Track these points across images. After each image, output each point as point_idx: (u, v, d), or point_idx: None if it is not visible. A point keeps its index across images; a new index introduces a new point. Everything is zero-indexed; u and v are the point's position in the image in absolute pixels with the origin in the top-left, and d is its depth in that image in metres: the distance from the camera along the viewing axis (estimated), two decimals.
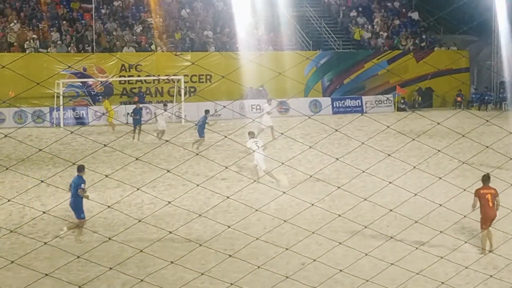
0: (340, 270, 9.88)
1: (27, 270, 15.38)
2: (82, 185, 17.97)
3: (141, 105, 37.73)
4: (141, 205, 21.95)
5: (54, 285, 14.41)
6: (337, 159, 10.63)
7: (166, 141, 27.28)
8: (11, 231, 16.48)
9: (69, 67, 42.05)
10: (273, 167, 24.62)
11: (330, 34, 52.47)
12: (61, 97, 41.90)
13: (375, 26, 55.19)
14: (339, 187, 10.13)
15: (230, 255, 11.04)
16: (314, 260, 10.02)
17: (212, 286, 14.41)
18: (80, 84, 44.98)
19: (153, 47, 47.30)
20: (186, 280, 14.34)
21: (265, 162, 25.06)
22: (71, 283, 14.49)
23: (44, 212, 9.65)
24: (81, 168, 18.30)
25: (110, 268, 10.34)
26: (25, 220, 20.29)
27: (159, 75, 44.91)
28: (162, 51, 46.69)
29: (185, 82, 45.05)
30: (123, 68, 45.77)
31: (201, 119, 33.01)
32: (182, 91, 44.58)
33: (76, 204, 18.13)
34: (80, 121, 42.55)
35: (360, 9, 56.38)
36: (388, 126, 10.55)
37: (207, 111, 33.53)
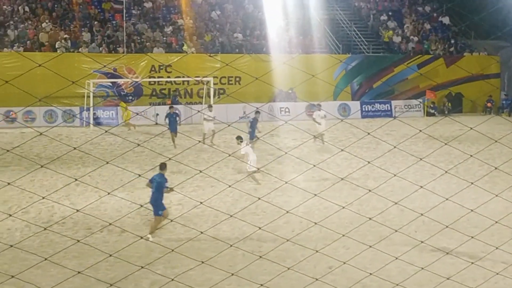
0: (370, 274, 9.86)
1: (56, 268, 15.52)
2: (166, 184, 18.38)
3: (175, 110, 36.22)
4: (169, 206, 21.99)
5: (82, 284, 14.51)
6: (368, 162, 10.61)
7: (199, 141, 27.35)
8: (45, 229, 16.59)
9: (104, 66, 42.28)
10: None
11: (360, 38, 52.35)
12: (91, 97, 42.14)
13: (406, 30, 54.98)
14: (370, 191, 10.12)
15: (260, 256, 11.05)
16: (344, 263, 10.01)
17: (239, 287, 14.43)
18: (110, 84, 45.24)
19: (185, 48, 47.46)
20: (214, 281, 14.37)
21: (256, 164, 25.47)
22: (99, 282, 14.60)
23: (77, 210, 9.68)
24: (163, 166, 18.67)
25: (142, 267, 10.40)
26: (55, 219, 20.46)
27: (188, 76, 45.03)
28: (193, 53, 46.84)
29: (214, 84, 45.16)
30: (153, 69, 45.97)
31: (252, 120, 32.38)
32: (212, 92, 44.65)
33: (156, 201, 18.40)
34: (109, 121, 42.73)
35: (390, 13, 56.19)
36: (420, 130, 10.52)
37: (257, 112, 32.93)
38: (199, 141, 24.45)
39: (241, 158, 25.53)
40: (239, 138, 26.32)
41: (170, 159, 26.12)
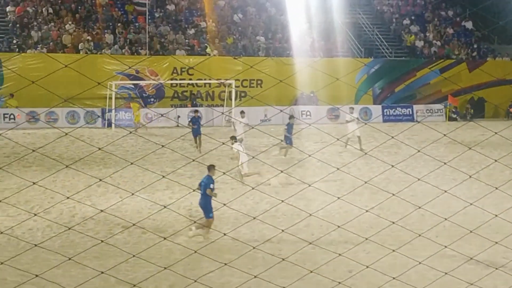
0: (393, 278, 9.81)
1: (76, 269, 15.59)
2: (211, 185, 18.41)
3: (199, 114, 35.90)
4: (190, 208, 22.06)
5: (103, 285, 14.57)
6: (392, 166, 10.57)
7: (223, 143, 27.34)
8: (69, 228, 16.67)
9: (130, 68, 42.53)
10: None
11: (382, 42, 52.22)
12: (113, 98, 42.32)
13: (428, 35, 54.78)
14: (393, 194, 10.07)
15: (283, 259, 11.03)
16: (367, 267, 9.97)
17: None
18: (132, 86, 45.41)
19: (208, 50, 47.59)
20: (233, 284, 14.38)
21: (248, 166, 25.88)
22: (119, 283, 14.65)
23: (101, 211, 9.77)
24: (210, 168, 18.75)
25: (165, 268, 10.43)
26: (76, 219, 20.56)
27: (210, 79, 45.13)
28: (214, 55, 46.93)
29: (236, 87, 45.20)
30: (174, 71, 46.10)
31: (288, 125, 32.19)
32: (233, 95, 44.69)
33: (206, 204, 18.52)
34: (131, 123, 42.85)
35: (413, 17, 56.02)
36: (444, 135, 10.47)
37: (291, 117, 32.64)
38: (223, 143, 24.52)
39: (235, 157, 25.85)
40: (233, 138, 26.87)
41: (193, 160, 26.02)
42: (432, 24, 55.84)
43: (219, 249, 16.93)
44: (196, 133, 33.46)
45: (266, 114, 44.28)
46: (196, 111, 36.20)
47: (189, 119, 35.17)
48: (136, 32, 47.50)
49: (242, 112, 34.34)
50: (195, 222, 19.08)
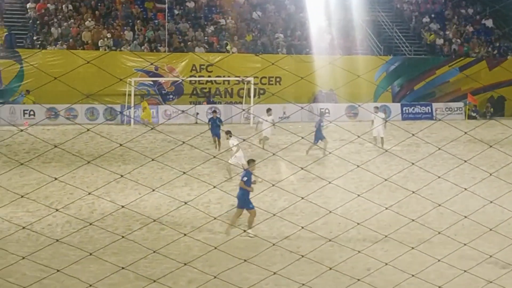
0: (412, 275, 9.79)
1: (95, 264, 15.66)
2: (244, 178, 18.58)
3: (218, 114, 35.06)
4: (208, 205, 22.12)
5: (121, 280, 14.63)
6: (412, 164, 10.54)
7: (244, 140, 27.32)
8: (90, 224, 16.74)
9: (152, 64, 42.64)
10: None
11: (402, 40, 52.07)
12: (132, 95, 42.46)
13: (448, 33, 54.55)
14: (413, 192, 10.05)
15: (302, 256, 11.04)
16: (386, 264, 9.97)
17: (277, 287, 14.44)
18: (151, 83, 45.54)
19: (228, 47, 47.66)
20: (251, 280, 14.40)
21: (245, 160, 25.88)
22: (138, 279, 14.71)
23: (122, 206, 9.80)
24: (250, 162, 19.17)
25: (186, 264, 10.47)
26: (95, 215, 20.65)
27: (229, 76, 45.21)
28: (233, 53, 46.97)
29: (254, 84, 45.19)
30: (193, 68, 46.18)
31: (318, 122, 31.84)
32: (252, 92, 44.70)
33: (242, 196, 18.69)
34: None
35: (433, 15, 55.80)
36: (465, 132, 10.42)
37: (322, 113, 32.28)
38: (243, 140, 24.51)
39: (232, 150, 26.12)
40: (228, 133, 27.05)
41: (214, 157, 26.21)
42: (452, 22, 55.59)
43: (237, 246, 16.95)
44: (214, 134, 32.86)
45: (285, 111, 44.28)
46: (215, 111, 35.56)
47: (208, 120, 34.28)
48: (155, 29, 47.62)
49: (268, 109, 33.87)
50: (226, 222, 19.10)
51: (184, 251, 17.09)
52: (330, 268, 10.50)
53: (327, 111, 43.40)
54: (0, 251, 15.86)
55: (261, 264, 15.39)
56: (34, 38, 45.21)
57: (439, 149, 10.16)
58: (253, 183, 18.84)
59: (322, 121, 31.76)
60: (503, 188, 17.92)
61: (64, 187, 23.82)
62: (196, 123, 40.94)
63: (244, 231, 17.53)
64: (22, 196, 10.13)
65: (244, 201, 18.69)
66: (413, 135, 9.15)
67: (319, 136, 31.30)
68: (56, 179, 9.21)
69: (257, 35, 49.80)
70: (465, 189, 11.39)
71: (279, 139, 35.58)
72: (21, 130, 32.14)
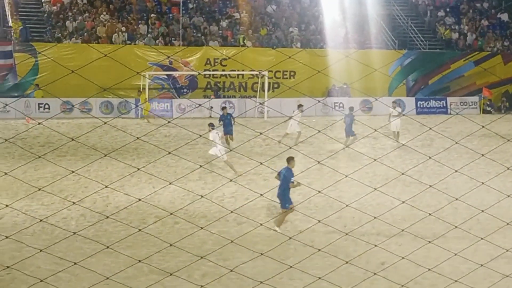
0: (429, 269, 9.77)
1: (110, 257, 15.73)
2: (292, 179, 18.47)
3: (228, 111, 34.04)
4: (222, 199, 22.13)
5: (135, 274, 14.67)
6: (429, 157, 10.51)
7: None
8: (107, 217, 16.78)
9: (168, 57, 42.66)
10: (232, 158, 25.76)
11: (417, 34, 51.89)
12: (146, 89, 42.52)
13: (463, 27, 54.32)
14: (430, 186, 10.03)
15: (319, 249, 11.04)
16: (403, 258, 9.95)
17: (291, 281, 14.46)
18: (166, 77, 45.61)
19: (246, 41, 47.67)
20: (265, 274, 14.39)
21: (226, 153, 26.10)
22: (152, 272, 14.75)
23: (139, 199, 9.84)
24: (290, 160, 18.78)
25: (202, 257, 10.49)
26: (109, 209, 20.71)
27: (243, 70, 45.20)
28: (248, 46, 46.98)
29: (268, 78, 45.15)
30: (207, 62, 46.20)
31: (349, 117, 31.46)
32: (266, 86, 44.65)
33: (284, 195, 18.60)
34: (164, 113, 43.04)
35: (448, 9, 55.56)
36: (483, 126, 10.39)
37: (351, 108, 31.98)
38: (260, 133, 24.62)
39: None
40: (210, 125, 26.90)
41: (231, 150, 26.21)
42: (467, 16, 55.36)
43: (251, 240, 16.97)
44: (225, 131, 31.04)
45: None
46: (225, 107, 34.19)
47: (219, 118, 32.38)
48: (169, 23, 47.67)
49: (300, 105, 33.44)
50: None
51: (198, 244, 17.12)
52: (347, 262, 10.49)
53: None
54: (15, 243, 15.96)
55: (275, 257, 15.42)
56: (49, 31, 45.33)
57: (456, 143, 10.11)
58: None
59: (353, 117, 31.39)
60: None
61: (79, 180, 23.91)
62: (210, 116, 40.92)
63: (261, 224, 17.52)
64: (39, 189, 10.19)
65: (285, 199, 18.60)
66: (430, 128, 9.12)
67: (349, 131, 31.32)
68: (73, 172, 9.24)
69: (271, 29, 49.76)
70: (483, 183, 11.35)
71: (293, 133, 35.53)
72: (28, 128, 32.23)
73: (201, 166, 10.63)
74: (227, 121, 31.41)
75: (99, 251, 14.60)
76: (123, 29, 46.23)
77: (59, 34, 45.05)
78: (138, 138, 8.92)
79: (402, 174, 10.78)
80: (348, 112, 32.03)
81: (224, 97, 46.00)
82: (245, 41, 47.74)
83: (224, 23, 48.97)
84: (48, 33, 45.32)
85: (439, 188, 22.14)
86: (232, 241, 10.72)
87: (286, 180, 18.55)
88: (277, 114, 40.13)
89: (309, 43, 48.91)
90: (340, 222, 19.07)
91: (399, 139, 32.98)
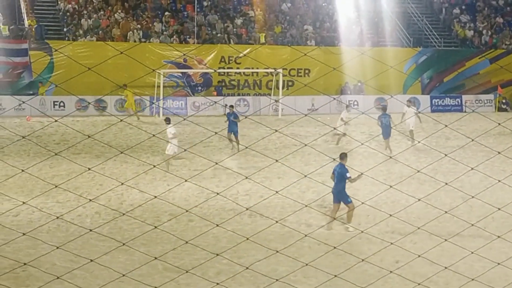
0: (445, 268, 9.75)
1: (125, 255, 15.78)
2: (347, 175, 18.33)
3: (235, 109, 32.75)
4: (236, 196, 22.15)
5: (150, 271, 14.72)
6: (445, 155, 10.48)
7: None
8: (123, 214, 16.84)
9: (184, 54, 42.75)
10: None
11: (432, 32, 51.72)
12: (161, 87, 42.56)
13: (478, 25, 54.10)
14: (446, 183, 10.01)
15: (335, 247, 11.04)
16: (419, 256, 9.94)
17: (305, 279, 14.46)
18: (180, 74, 45.68)
19: (262, 39, 47.69)
20: (280, 272, 14.44)
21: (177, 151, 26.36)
22: (166, 270, 14.79)
23: (155, 197, 9.87)
24: (343, 156, 18.66)
25: (218, 254, 10.52)
26: (124, 206, 20.77)
27: (258, 68, 45.18)
28: (263, 44, 47.01)
29: (283, 76, 45.14)
30: (222, 59, 46.24)
31: (384, 118, 30.00)
32: (280, 84, 44.63)
33: (340, 191, 18.49)
34: (179, 111, 43.09)
35: (463, 6, 55.35)
36: (499, 124, 10.36)
37: (385, 108, 30.48)
38: (276, 130, 24.43)
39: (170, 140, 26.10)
40: (167, 120, 26.80)
41: (246, 147, 26.12)
42: (483, 13, 55.13)
43: (265, 238, 16.97)
44: (230, 130, 30.46)
45: (313, 103, 44.24)
46: (231, 106, 33.21)
47: (226, 116, 31.65)
48: (184, 21, 47.72)
49: (347, 106, 33.06)
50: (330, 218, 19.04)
51: (212, 242, 17.15)
52: (363, 260, 10.49)
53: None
54: (31, 241, 16.04)
55: (289, 255, 15.43)
56: (65, 29, 45.50)
57: (473, 140, 10.09)
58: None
59: (390, 117, 29.96)
60: None
61: (94, 178, 24.00)
62: (225, 114, 40.92)
63: (276, 221, 17.52)
64: (55, 186, 10.27)
65: (341, 196, 18.46)
66: (446, 126, 9.10)
67: (388, 133, 29.92)
68: (89, 169, 9.29)
69: (286, 27, 49.75)
70: (499, 181, 11.30)
71: (307, 130, 35.54)
72: (44, 126, 32.33)
73: (216, 163, 10.59)
74: (230, 120, 30.56)
75: (114, 249, 14.71)
76: (138, 27, 46.33)
77: (75, 32, 45.17)
78: (153, 135, 8.91)
79: (418, 171, 10.75)
80: (381, 113, 30.35)
81: (238, 95, 45.99)
82: (262, 39, 47.75)
83: (238, 21, 48.99)
84: (63, 30, 45.46)
85: (455, 186, 22.12)
86: (247, 239, 10.72)
87: (341, 176, 18.36)
88: (292, 111, 40.10)
89: (323, 41, 48.84)
90: (355, 220, 19.05)
91: (414, 137, 32.69)
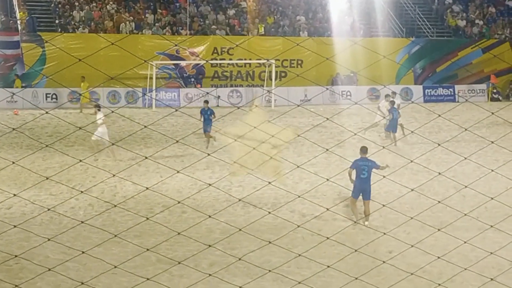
0: (438, 257, 9.75)
1: (118, 247, 15.76)
2: (378, 164, 17.98)
3: (209, 105, 30.27)
4: (230, 188, 22.10)
5: (143, 263, 14.70)
6: (439, 145, 10.48)
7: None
8: (114, 206, 16.82)
9: (176, 45, 42.62)
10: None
11: (424, 21, 51.67)
12: (154, 78, 42.46)
13: (471, 14, 54.06)
14: (439, 173, 10.00)
15: (327, 237, 11.03)
16: (412, 246, 9.94)
17: (298, 270, 14.44)
18: (173, 66, 45.59)
19: (260, 30, 47.62)
20: (273, 263, 14.43)
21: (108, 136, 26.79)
22: (159, 261, 14.78)
23: (147, 188, 9.86)
24: (364, 150, 18.29)
25: (210, 245, 10.50)
26: (117, 198, 20.73)
27: (250, 59, 45.10)
28: (254, 35, 46.92)
29: (276, 67, 45.05)
30: (215, 51, 46.14)
31: (395, 112, 29.02)
32: (273, 75, 44.57)
33: (369, 186, 18.03)
34: (172, 102, 43.01)
35: None
36: (492, 113, 10.35)
37: (393, 102, 29.26)
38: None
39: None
40: (97, 106, 27.26)
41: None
42: (475, 3, 55.10)
43: (258, 229, 16.96)
44: (205, 129, 28.84)
45: (306, 94, 44.19)
46: (206, 101, 30.69)
47: (200, 112, 29.47)
48: (176, 12, 47.58)
49: (387, 95, 31.15)
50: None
51: (205, 233, 17.13)
52: (356, 250, 10.48)
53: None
54: (24, 233, 16.00)
55: (283, 246, 15.43)
56: (56, 21, 45.33)
57: (466, 129, 10.08)
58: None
59: (396, 111, 29.16)
60: None
61: (86, 170, 23.95)
62: (218, 106, 40.87)
63: (269, 212, 17.49)
64: (47, 178, 10.22)
65: (368, 192, 18.00)
66: (439, 115, 9.08)
67: (395, 126, 29.36)
68: (80, 161, 9.27)
69: (278, 18, 49.65)
70: (492, 170, 11.31)
71: (300, 121, 35.53)
72: (36, 118, 32.29)
73: (208, 155, 10.52)
74: (206, 117, 28.83)
75: (107, 240, 14.68)
76: (130, 18, 46.19)
77: (66, 24, 45.00)
78: (145, 126, 8.89)
79: (411, 161, 10.72)
80: (390, 107, 29.40)
81: (231, 86, 45.90)
82: (264, 30, 47.63)
83: (231, 12, 48.87)
84: (55, 22, 45.28)
85: (448, 176, 22.15)
86: (240, 230, 10.71)
87: (371, 170, 17.87)
88: (285, 102, 40.07)
89: (316, 32, 48.75)
90: (348, 211, 19.05)
91: (404, 131, 31.92)
